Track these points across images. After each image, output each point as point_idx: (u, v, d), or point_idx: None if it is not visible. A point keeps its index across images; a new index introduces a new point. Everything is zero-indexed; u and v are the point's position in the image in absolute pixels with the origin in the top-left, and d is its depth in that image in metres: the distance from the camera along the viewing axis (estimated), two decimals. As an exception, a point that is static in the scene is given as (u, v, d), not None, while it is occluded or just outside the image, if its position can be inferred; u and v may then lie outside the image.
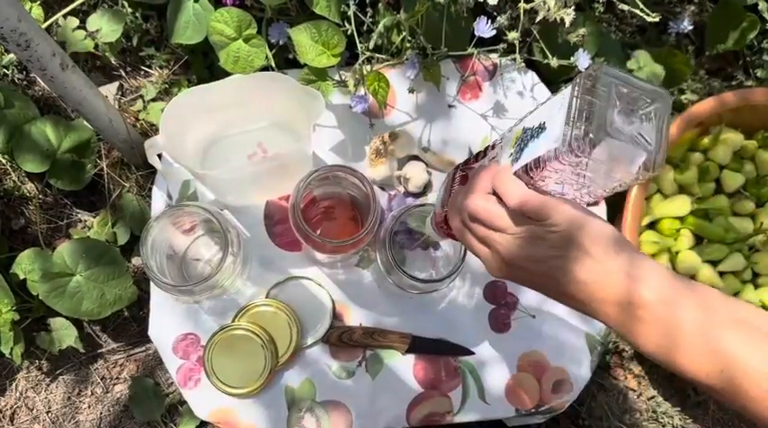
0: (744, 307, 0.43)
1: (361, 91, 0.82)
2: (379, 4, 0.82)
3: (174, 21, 0.88)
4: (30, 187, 1.00)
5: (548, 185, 0.45)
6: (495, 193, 0.48)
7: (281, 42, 0.84)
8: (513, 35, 0.81)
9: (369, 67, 0.83)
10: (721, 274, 0.93)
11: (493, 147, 0.54)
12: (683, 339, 0.42)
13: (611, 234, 0.44)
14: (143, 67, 1.03)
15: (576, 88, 0.41)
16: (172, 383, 0.97)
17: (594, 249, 0.43)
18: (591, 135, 0.39)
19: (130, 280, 0.91)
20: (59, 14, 0.96)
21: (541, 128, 0.44)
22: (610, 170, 0.41)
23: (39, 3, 1.00)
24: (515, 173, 0.46)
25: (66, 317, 0.92)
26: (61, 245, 0.88)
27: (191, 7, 0.87)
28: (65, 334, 0.93)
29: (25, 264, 0.90)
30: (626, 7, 0.84)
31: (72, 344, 0.93)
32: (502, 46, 0.84)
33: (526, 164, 0.45)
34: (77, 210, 1.00)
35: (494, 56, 0.88)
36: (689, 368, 0.42)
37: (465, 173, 0.56)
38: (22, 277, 0.90)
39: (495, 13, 0.85)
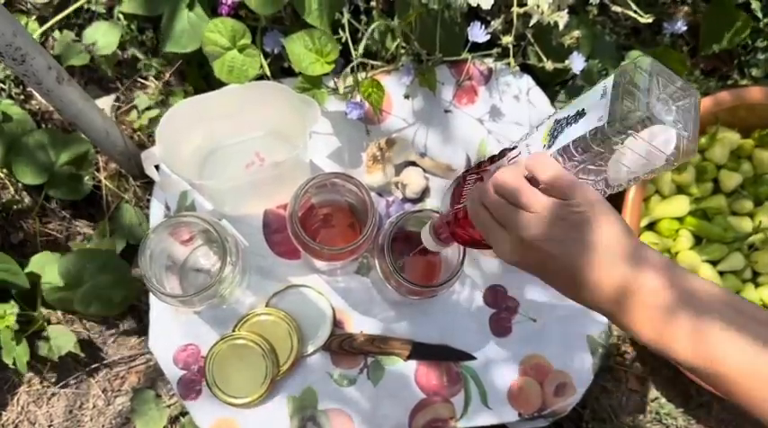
0: (739, 300, 0.44)
1: (357, 97, 0.82)
2: (373, 12, 0.83)
3: (169, 29, 0.88)
4: (28, 200, 1.00)
5: (577, 171, 0.48)
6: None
7: (275, 51, 0.84)
8: (507, 39, 0.82)
9: (364, 74, 0.83)
10: (721, 274, 0.93)
11: (502, 154, 0.55)
12: (678, 328, 0.43)
13: (623, 224, 0.46)
14: (139, 79, 1.03)
15: (621, 76, 0.44)
16: (173, 394, 0.96)
17: (609, 235, 0.45)
18: (637, 112, 0.42)
19: (134, 281, 0.93)
20: (51, 23, 0.96)
21: (580, 114, 0.47)
22: (646, 150, 0.44)
23: (35, 17, 1.00)
24: None
25: (66, 326, 0.93)
26: (65, 256, 0.89)
27: (186, 16, 0.87)
28: (63, 341, 0.93)
29: (40, 264, 0.92)
30: (619, 9, 0.85)
31: (71, 350, 0.92)
32: (496, 50, 0.84)
33: (562, 147, 0.47)
34: (76, 223, 1.00)
35: (488, 60, 0.89)
36: (682, 355, 0.44)
37: (480, 176, 0.58)
38: (32, 281, 0.91)
39: (488, 18, 0.85)
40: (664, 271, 0.44)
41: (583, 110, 0.47)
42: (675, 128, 0.43)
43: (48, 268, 0.91)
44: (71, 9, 0.94)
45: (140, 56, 1.01)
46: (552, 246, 0.46)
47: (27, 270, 0.91)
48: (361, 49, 0.79)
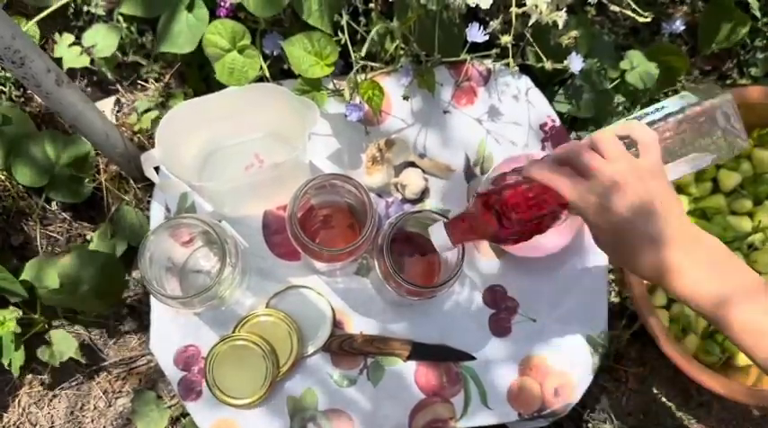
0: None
1: (356, 99, 0.82)
2: (372, 13, 0.83)
3: (166, 30, 0.87)
4: (29, 202, 1.00)
5: None
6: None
7: (275, 53, 0.85)
8: (505, 39, 0.82)
9: (363, 76, 0.83)
10: (721, 273, 0.93)
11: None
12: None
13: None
14: (139, 81, 1.03)
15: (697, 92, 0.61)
16: (174, 395, 0.97)
17: (678, 207, 0.56)
18: (726, 95, 0.59)
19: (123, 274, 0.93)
20: (40, 17, 0.95)
21: (658, 109, 0.60)
22: (723, 128, 0.59)
23: (35, 20, 1.00)
24: None
25: (66, 330, 0.93)
26: (63, 259, 0.89)
27: (185, 18, 0.87)
28: (65, 346, 0.93)
29: (31, 273, 0.91)
30: (618, 8, 0.85)
31: (72, 356, 0.93)
32: (495, 51, 0.85)
33: (649, 121, 0.59)
34: (76, 225, 1.00)
35: (487, 61, 0.89)
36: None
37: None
38: (30, 285, 0.90)
39: (487, 18, 0.85)
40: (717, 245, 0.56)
41: (663, 106, 0.60)
42: (734, 131, 0.59)
43: (42, 273, 0.90)
44: (59, 4, 0.94)
45: (139, 58, 1.01)
46: (635, 191, 0.54)
47: (22, 276, 0.91)
48: (364, 52, 0.79)
